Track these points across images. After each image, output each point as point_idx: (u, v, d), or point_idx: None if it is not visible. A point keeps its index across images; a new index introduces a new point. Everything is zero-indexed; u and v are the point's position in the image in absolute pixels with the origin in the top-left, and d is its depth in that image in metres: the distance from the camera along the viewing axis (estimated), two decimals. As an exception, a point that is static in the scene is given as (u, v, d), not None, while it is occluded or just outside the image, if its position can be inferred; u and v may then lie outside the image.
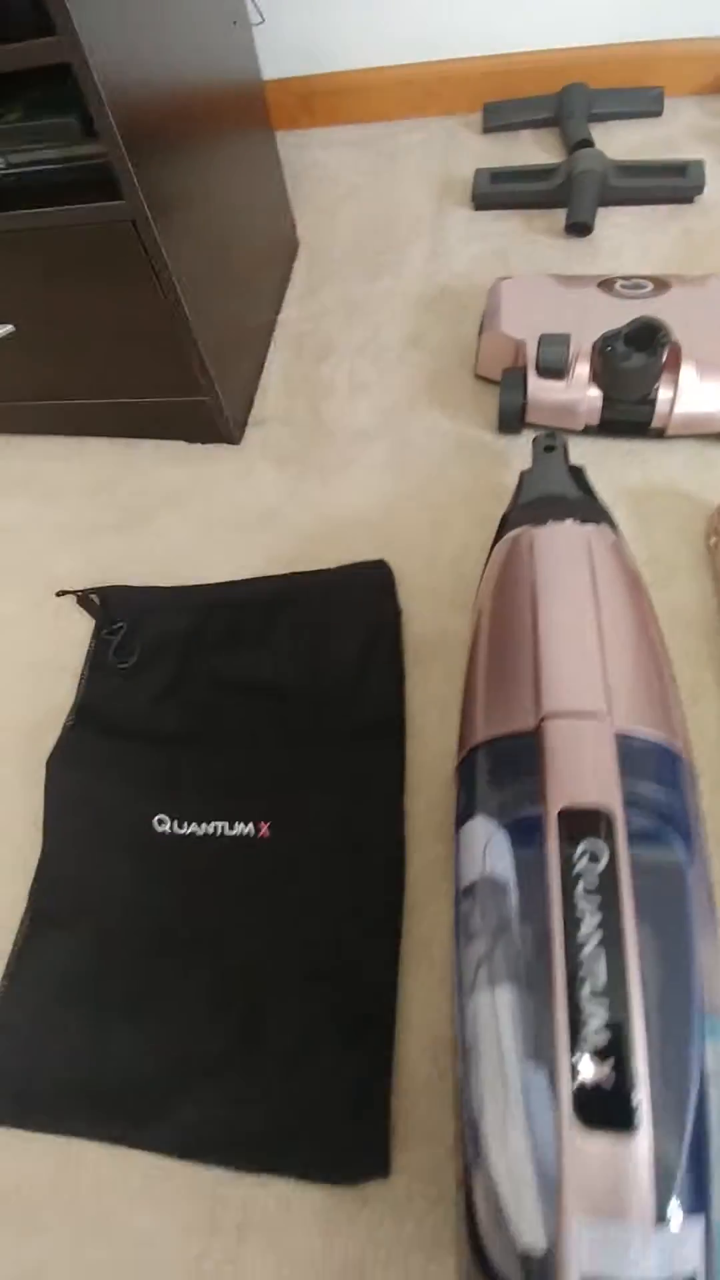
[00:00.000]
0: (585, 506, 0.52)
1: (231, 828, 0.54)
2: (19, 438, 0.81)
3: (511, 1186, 0.31)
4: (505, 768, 0.39)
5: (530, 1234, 0.30)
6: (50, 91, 0.55)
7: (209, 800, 0.55)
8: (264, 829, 0.53)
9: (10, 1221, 0.45)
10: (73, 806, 0.57)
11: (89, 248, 0.58)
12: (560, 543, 0.47)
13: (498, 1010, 0.34)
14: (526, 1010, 0.33)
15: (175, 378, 0.68)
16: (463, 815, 0.41)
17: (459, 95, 0.95)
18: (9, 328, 0.66)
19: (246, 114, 0.74)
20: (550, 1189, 0.29)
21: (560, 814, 0.33)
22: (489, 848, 0.37)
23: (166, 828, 0.54)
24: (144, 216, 0.54)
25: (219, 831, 0.54)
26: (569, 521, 0.49)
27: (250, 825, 0.53)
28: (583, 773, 0.34)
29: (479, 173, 0.85)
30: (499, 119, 0.92)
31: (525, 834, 0.36)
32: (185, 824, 0.54)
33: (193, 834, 0.54)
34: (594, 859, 0.32)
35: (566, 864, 0.32)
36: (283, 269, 0.86)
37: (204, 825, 0.54)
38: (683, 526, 0.62)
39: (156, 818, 0.55)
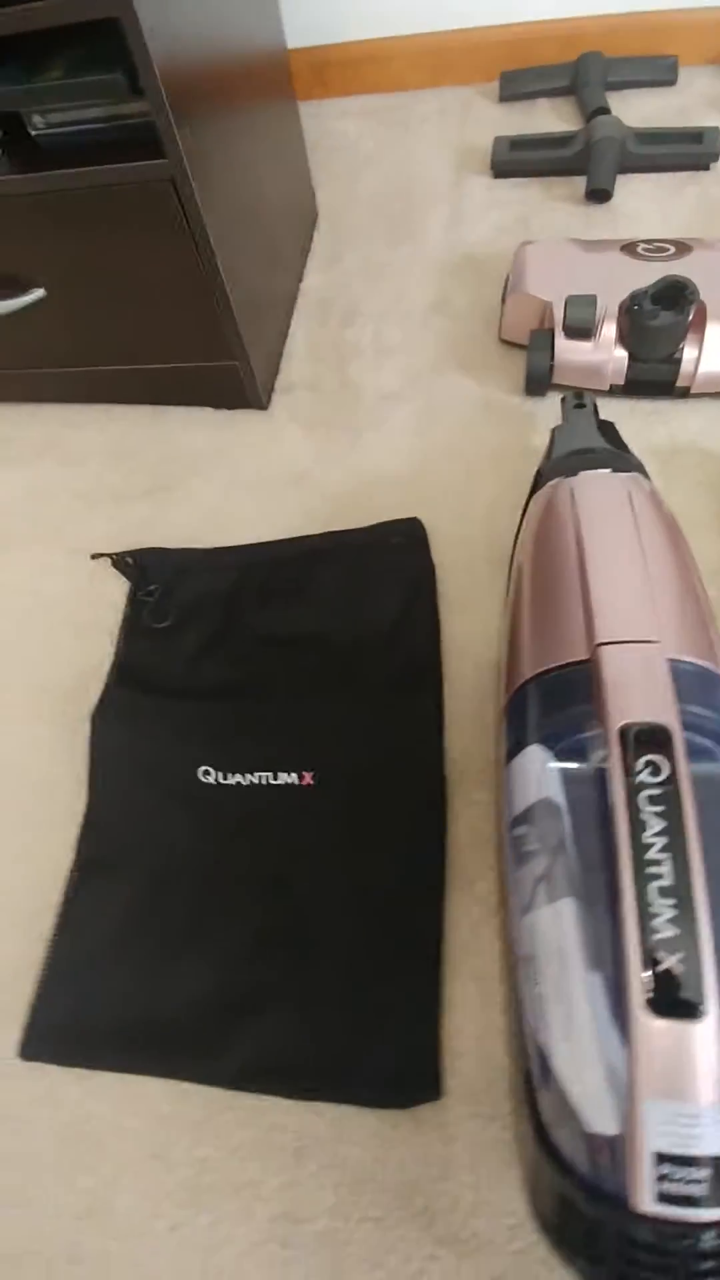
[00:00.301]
0: (620, 458, 0.54)
1: (276, 777, 0.55)
2: (43, 406, 0.82)
3: (578, 1081, 0.33)
4: (558, 696, 0.40)
5: (600, 1121, 0.31)
6: (88, 51, 0.55)
7: (253, 751, 0.56)
8: (308, 778, 0.55)
9: (72, 1157, 0.47)
10: (118, 760, 0.58)
11: (125, 208, 0.58)
12: (600, 488, 0.48)
13: (560, 922, 0.35)
14: (588, 919, 0.34)
15: (205, 342, 0.69)
16: (513, 749, 0.42)
17: (474, 65, 0.96)
18: (40, 292, 0.67)
19: (274, 81, 0.75)
20: (617, 1079, 0.31)
21: (621, 731, 0.34)
22: (545, 773, 0.39)
23: (212, 779, 0.56)
24: (184, 175, 0.55)
25: (264, 781, 0.55)
26: (606, 471, 0.51)
27: (294, 774, 0.55)
28: (641, 693, 0.35)
29: (497, 140, 0.86)
30: (515, 88, 0.93)
31: (582, 756, 0.38)
32: (230, 775, 0.56)
33: (238, 784, 0.55)
34: (655, 771, 0.33)
35: (630, 776, 0.33)
36: (304, 237, 0.87)
37: (249, 776, 0.55)
38: (706, 483, 0.64)
39: (201, 769, 0.56)
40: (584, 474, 0.50)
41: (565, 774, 0.38)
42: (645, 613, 0.39)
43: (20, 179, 0.57)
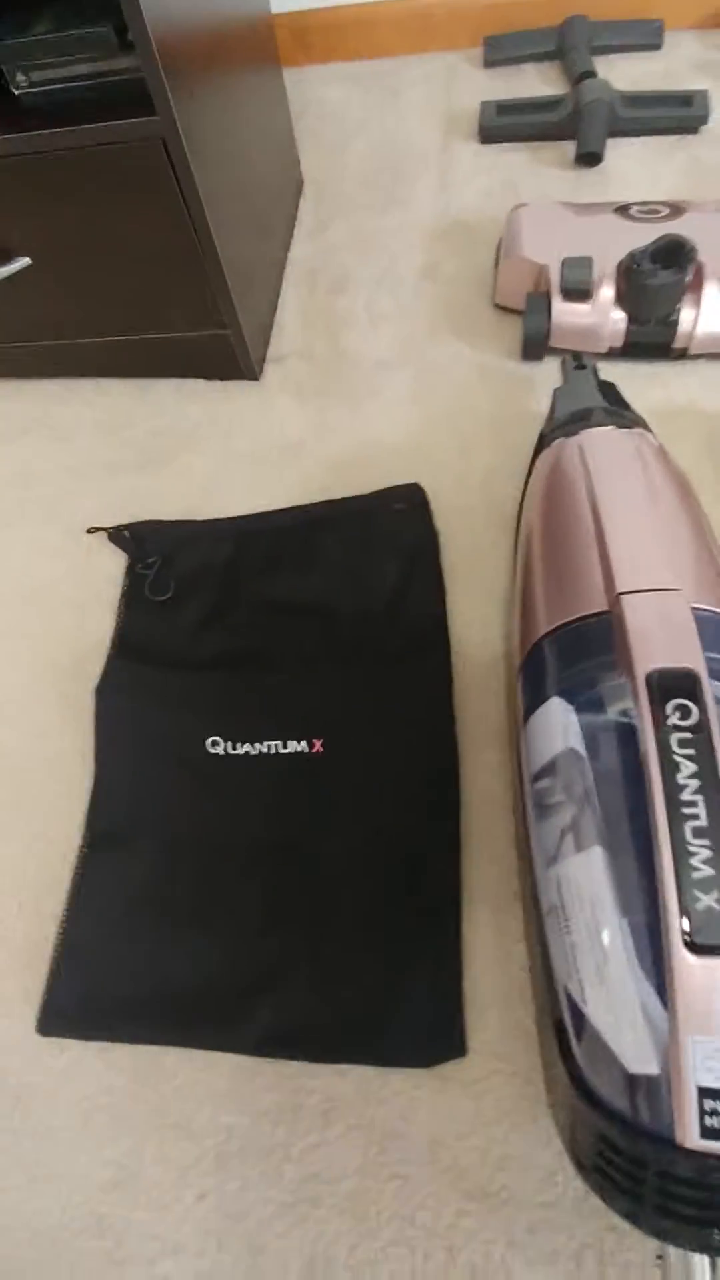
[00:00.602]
0: (624, 416, 0.54)
1: (285, 746, 0.55)
2: (27, 382, 0.80)
3: (615, 1024, 0.33)
4: (578, 649, 0.40)
5: (640, 1061, 0.31)
6: (73, 5, 0.54)
7: (261, 721, 0.56)
8: (318, 745, 0.54)
9: (96, 1130, 0.47)
10: (124, 733, 0.57)
11: (114, 170, 0.57)
12: (610, 444, 0.48)
13: (590, 870, 0.35)
14: (618, 866, 0.34)
15: (196, 310, 0.68)
16: (532, 705, 0.42)
17: (458, 29, 0.94)
18: (25, 261, 0.65)
19: (259, 44, 0.73)
20: (656, 1019, 0.31)
21: (649, 677, 0.34)
22: (568, 725, 0.39)
23: (220, 749, 0.55)
24: (175, 134, 0.53)
25: (273, 750, 0.55)
26: (612, 428, 0.51)
27: (304, 742, 0.54)
28: (666, 639, 0.35)
29: (485, 105, 0.85)
30: (500, 52, 0.92)
31: (606, 705, 0.37)
32: (239, 745, 0.55)
33: (246, 754, 0.55)
34: (685, 714, 0.33)
35: (660, 720, 0.33)
36: (290, 206, 0.85)
37: (257, 745, 0.55)
38: (704, 444, 0.64)
39: (210, 740, 0.55)
40: (591, 431, 0.50)
41: (588, 724, 0.38)
42: (665, 562, 0.39)
43: (2, 139, 0.55)
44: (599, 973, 0.34)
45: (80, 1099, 0.48)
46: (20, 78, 0.55)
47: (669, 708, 0.34)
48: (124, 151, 0.55)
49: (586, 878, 0.35)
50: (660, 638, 0.36)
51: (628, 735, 0.36)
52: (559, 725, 0.39)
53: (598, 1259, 0.40)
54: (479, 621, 0.59)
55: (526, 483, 0.56)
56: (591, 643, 0.39)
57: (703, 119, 0.81)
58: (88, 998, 0.49)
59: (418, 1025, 0.46)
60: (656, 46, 0.90)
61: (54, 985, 0.50)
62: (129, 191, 0.58)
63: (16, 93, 0.57)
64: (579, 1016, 0.35)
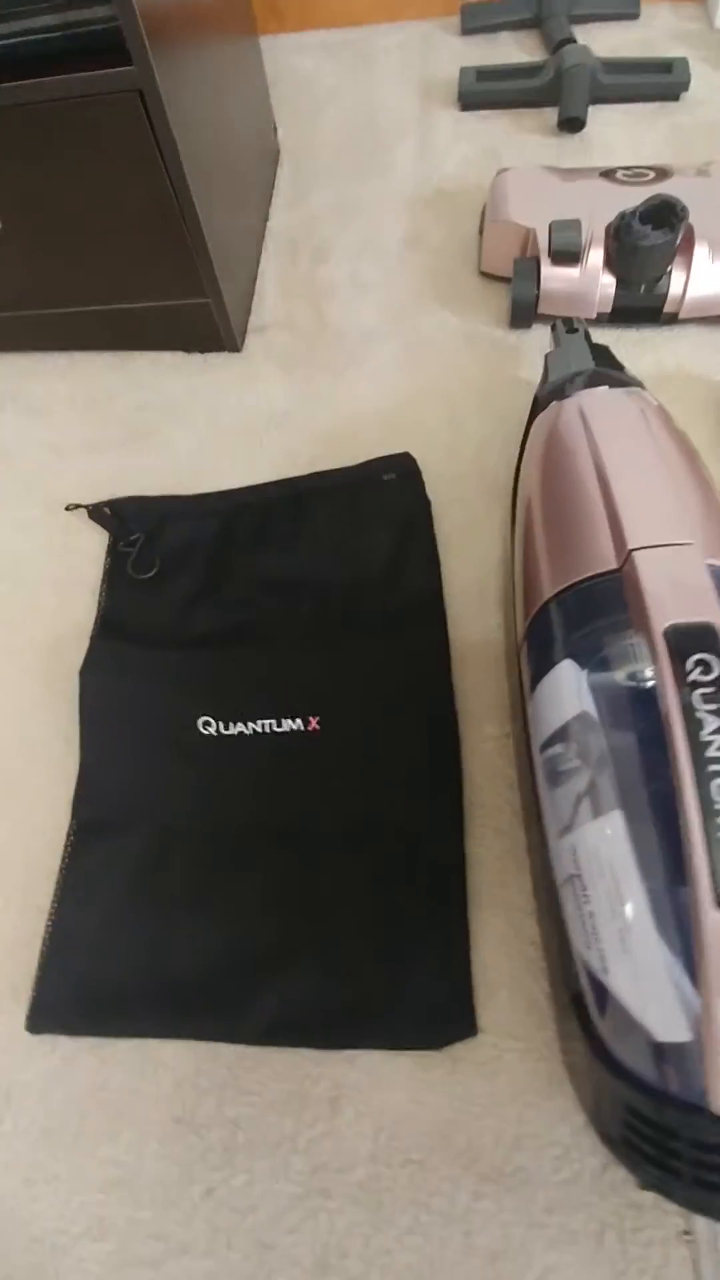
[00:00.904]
0: (621, 377, 0.52)
1: (279, 725, 0.53)
2: (-4, 356, 0.77)
3: (640, 993, 0.32)
4: (588, 609, 0.39)
5: (668, 1029, 0.30)
6: (37, -52, 0.51)
7: (253, 700, 0.54)
8: (313, 723, 0.52)
9: (93, 1128, 0.45)
10: (111, 716, 0.55)
11: (87, 126, 0.54)
12: (611, 403, 0.47)
13: (608, 836, 0.34)
14: (638, 830, 0.33)
15: (175, 277, 0.65)
16: (539, 672, 0.41)
17: (433, -3, 0.92)
18: (-6, 226, 0.62)
19: (236, 7, 0.71)
20: (684, 986, 0.30)
21: (667, 633, 0.33)
22: (580, 688, 0.37)
23: (212, 730, 0.53)
24: (153, 85, 0.51)
25: (267, 729, 0.53)
26: (611, 388, 0.49)
27: (299, 721, 0.53)
28: (682, 594, 0.34)
29: (464, 71, 0.83)
30: (478, 20, 0.90)
31: (620, 666, 0.36)
32: (231, 725, 0.53)
33: (240, 734, 0.53)
34: (706, 669, 0.32)
35: (681, 676, 0.32)
36: (267, 174, 0.83)
37: (250, 725, 0.53)
38: (696, 408, 0.63)
39: (201, 720, 0.53)
40: (590, 391, 0.49)
41: (602, 686, 0.37)
42: (676, 517, 0.38)
43: (-34, 93, 0.52)
44: (622, 941, 0.33)
45: (76, 1097, 0.46)
46: (-16, 28, 0.52)
47: (689, 663, 0.32)
48: (98, 106, 0.52)
49: (605, 844, 0.34)
50: (676, 593, 0.34)
51: (645, 695, 0.35)
52: (571, 689, 0.38)
53: (619, 1236, 0.39)
54: (474, 591, 0.57)
55: (522, 449, 0.54)
56: (601, 603, 0.38)
57: (683, 86, 0.80)
58: (80, 992, 0.47)
59: (427, 1006, 0.44)
60: (634, 16, 0.89)
61: (43, 981, 0.48)
62: (104, 150, 0.55)
63: (-23, 45, 0.53)
64: (600, 987, 0.34)
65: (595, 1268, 0.39)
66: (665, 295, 0.63)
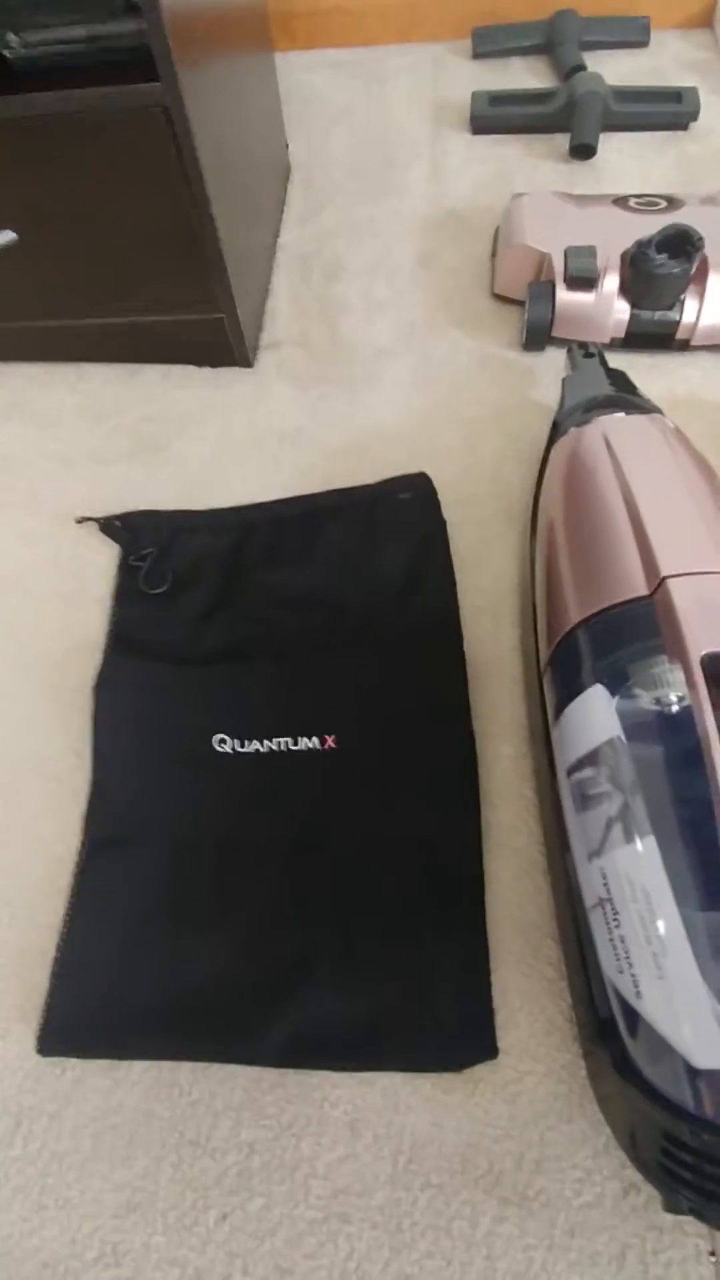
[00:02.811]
0: (640, 403, 0.53)
1: (296, 743, 0.52)
2: (4, 366, 0.76)
3: (677, 1019, 0.32)
4: (618, 635, 0.39)
5: (706, 1055, 0.30)
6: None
7: (269, 717, 0.53)
8: (330, 741, 0.52)
9: (106, 1152, 0.44)
10: (125, 732, 0.54)
11: (111, 140, 0.54)
12: (634, 428, 0.48)
13: (642, 861, 0.34)
14: (673, 854, 0.33)
15: (190, 291, 0.65)
16: (567, 695, 0.41)
17: (445, 20, 0.93)
18: (10, 235, 0.61)
19: (256, 24, 0.71)
20: (722, 1014, 0.30)
21: (704, 660, 0.34)
22: (611, 714, 0.38)
23: (228, 747, 0.53)
24: (179, 102, 0.51)
25: (284, 747, 0.52)
26: (633, 413, 0.50)
27: (315, 739, 0.52)
28: (718, 622, 0.35)
29: (476, 95, 0.84)
30: (489, 44, 0.91)
31: (651, 692, 0.37)
32: (247, 743, 0.53)
33: (256, 752, 0.52)
34: (744, 699, 0.32)
35: (718, 703, 0.32)
36: (279, 190, 0.83)
37: (266, 743, 0.53)
38: (708, 435, 0.64)
39: (216, 738, 0.53)
40: (612, 417, 0.50)
41: (634, 712, 0.37)
42: (708, 544, 0.38)
43: (-6, 102, 0.52)
44: (656, 965, 0.33)
45: (88, 1120, 0.45)
46: (12, 39, 0.52)
47: (727, 692, 0.33)
48: (123, 120, 0.53)
49: (638, 868, 0.34)
50: (712, 620, 0.35)
51: (678, 720, 0.35)
52: (601, 714, 0.38)
53: (640, 1258, 0.39)
54: (489, 611, 0.58)
55: (541, 473, 0.55)
56: (633, 629, 0.39)
57: (693, 115, 0.82)
58: (91, 1013, 0.46)
59: (447, 1028, 0.44)
60: (644, 44, 0.91)
61: (54, 1001, 0.47)
62: (125, 163, 0.56)
63: (9, 55, 0.53)
64: (631, 1013, 0.34)
65: (617, 1291, 0.39)
66: (678, 322, 0.64)
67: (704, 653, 0.34)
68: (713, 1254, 0.37)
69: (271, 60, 0.80)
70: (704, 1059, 0.30)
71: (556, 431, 0.55)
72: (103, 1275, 0.41)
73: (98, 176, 0.57)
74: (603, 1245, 0.40)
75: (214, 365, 0.73)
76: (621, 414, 0.50)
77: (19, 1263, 0.42)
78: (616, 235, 0.65)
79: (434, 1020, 0.44)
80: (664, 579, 0.37)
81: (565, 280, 0.64)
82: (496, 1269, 0.40)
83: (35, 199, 0.59)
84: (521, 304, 0.68)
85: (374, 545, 0.60)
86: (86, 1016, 0.46)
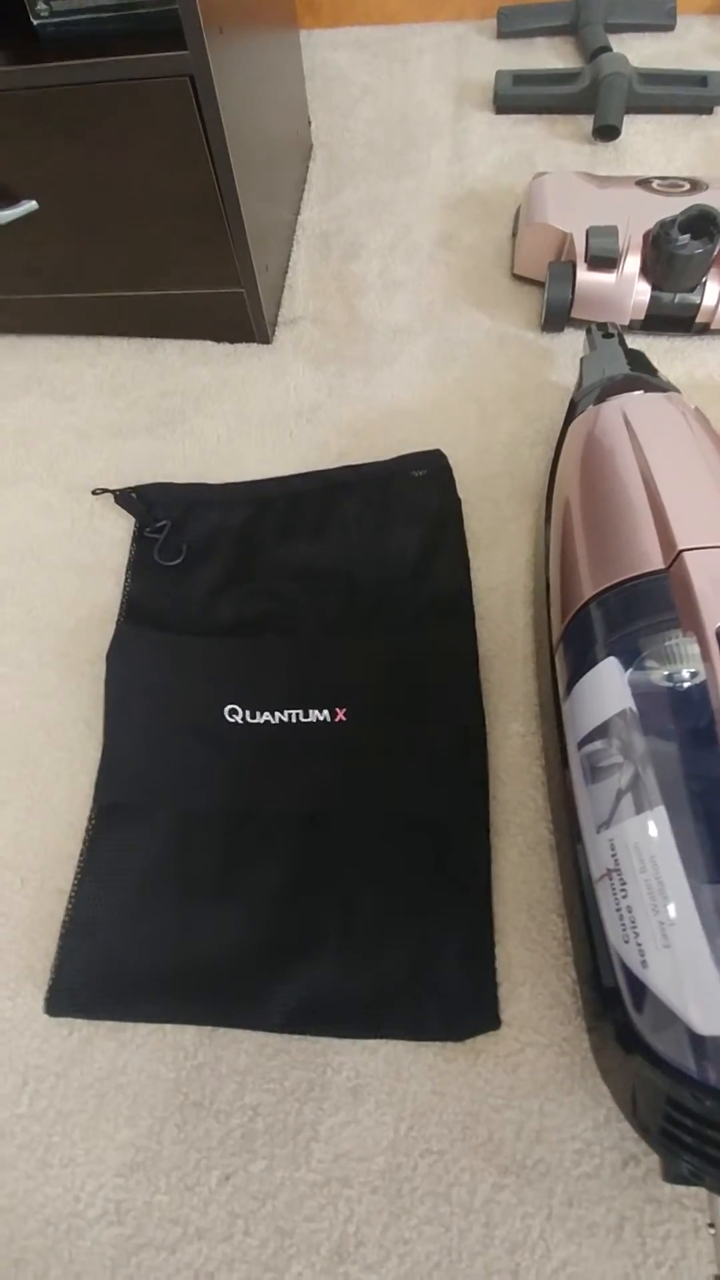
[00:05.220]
0: (658, 382, 0.53)
1: (306, 715, 0.53)
2: (23, 339, 0.76)
3: (680, 987, 0.32)
4: (632, 608, 0.39)
5: (714, 1022, 0.31)
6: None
7: (280, 689, 0.54)
8: (340, 714, 0.52)
9: (110, 1111, 0.44)
10: (136, 700, 0.55)
11: (135, 109, 0.54)
12: (653, 406, 0.47)
13: (652, 831, 0.34)
14: (683, 826, 0.33)
15: (210, 265, 0.65)
16: (579, 669, 0.41)
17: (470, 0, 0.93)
18: (32, 204, 0.61)
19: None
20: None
21: (718, 632, 0.33)
22: (624, 686, 0.38)
23: (239, 718, 0.53)
24: (206, 72, 0.51)
25: (294, 719, 0.53)
26: (652, 392, 0.50)
27: (325, 711, 0.53)
28: (735, 594, 0.35)
29: (500, 74, 0.84)
30: (514, 24, 0.91)
31: (666, 664, 0.37)
32: (258, 714, 0.53)
33: (266, 722, 0.53)
34: (759, 670, 0.32)
35: (733, 676, 0.32)
36: (300, 167, 0.83)
37: (277, 714, 0.53)
38: (726, 420, 0.64)
39: (228, 708, 0.53)
40: (631, 395, 0.49)
41: (647, 684, 0.37)
42: (725, 519, 0.38)
43: (21, 70, 0.52)
44: (663, 935, 0.33)
45: (93, 1080, 0.45)
46: (41, 6, 0.52)
47: (742, 663, 0.33)
48: (148, 89, 0.52)
49: (647, 838, 0.34)
50: (729, 593, 0.35)
51: (692, 693, 0.35)
52: (614, 687, 0.38)
53: (637, 1230, 0.40)
54: (502, 590, 0.58)
55: (557, 451, 0.55)
56: (647, 602, 0.38)
57: (718, 99, 0.81)
58: (99, 976, 0.47)
59: (451, 997, 0.44)
60: (670, 27, 0.90)
61: (62, 963, 0.47)
62: (150, 133, 0.55)
63: (36, 23, 0.53)
64: (636, 982, 0.34)
65: (613, 1260, 0.39)
66: (699, 305, 0.63)
67: (719, 624, 0.33)
68: (711, 1226, 0.38)
69: (296, 37, 0.79)
70: (708, 1025, 0.31)
71: (574, 410, 0.55)
72: (105, 1233, 0.42)
73: (121, 147, 0.57)
74: (600, 1216, 0.40)
75: (232, 341, 0.73)
76: (643, 392, 0.50)
77: (22, 1219, 0.43)
78: (639, 216, 0.64)
79: (438, 990, 0.44)
80: (680, 552, 0.37)
81: (586, 260, 0.63)
82: (494, 1236, 0.40)
83: (58, 169, 0.59)
84: (541, 284, 0.68)
85: (388, 521, 0.60)
86: (94, 978, 0.47)
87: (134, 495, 0.63)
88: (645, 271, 0.63)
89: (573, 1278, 0.39)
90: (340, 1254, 0.41)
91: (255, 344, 0.73)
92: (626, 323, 0.66)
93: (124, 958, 0.47)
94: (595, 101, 0.80)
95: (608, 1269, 0.39)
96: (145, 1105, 0.44)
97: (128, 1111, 0.44)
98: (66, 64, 0.51)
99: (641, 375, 0.55)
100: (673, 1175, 0.34)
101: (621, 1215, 0.40)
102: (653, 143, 0.81)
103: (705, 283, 0.63)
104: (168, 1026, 0.46)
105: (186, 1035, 0.46)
